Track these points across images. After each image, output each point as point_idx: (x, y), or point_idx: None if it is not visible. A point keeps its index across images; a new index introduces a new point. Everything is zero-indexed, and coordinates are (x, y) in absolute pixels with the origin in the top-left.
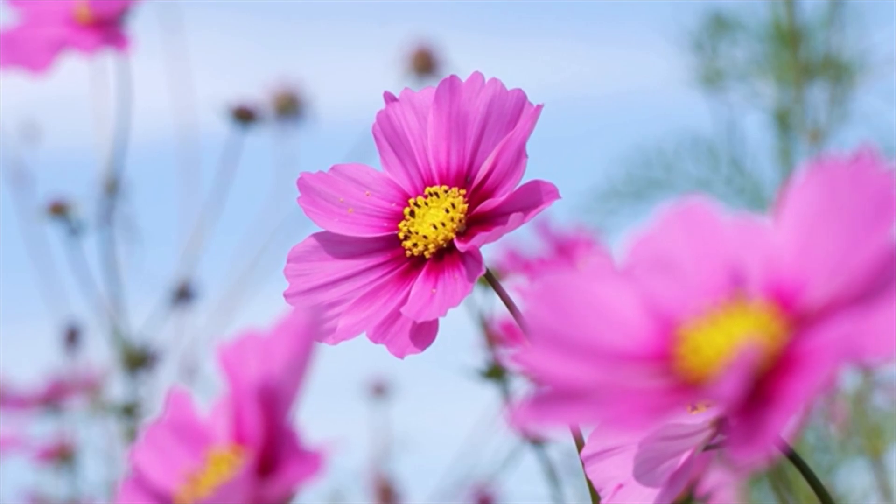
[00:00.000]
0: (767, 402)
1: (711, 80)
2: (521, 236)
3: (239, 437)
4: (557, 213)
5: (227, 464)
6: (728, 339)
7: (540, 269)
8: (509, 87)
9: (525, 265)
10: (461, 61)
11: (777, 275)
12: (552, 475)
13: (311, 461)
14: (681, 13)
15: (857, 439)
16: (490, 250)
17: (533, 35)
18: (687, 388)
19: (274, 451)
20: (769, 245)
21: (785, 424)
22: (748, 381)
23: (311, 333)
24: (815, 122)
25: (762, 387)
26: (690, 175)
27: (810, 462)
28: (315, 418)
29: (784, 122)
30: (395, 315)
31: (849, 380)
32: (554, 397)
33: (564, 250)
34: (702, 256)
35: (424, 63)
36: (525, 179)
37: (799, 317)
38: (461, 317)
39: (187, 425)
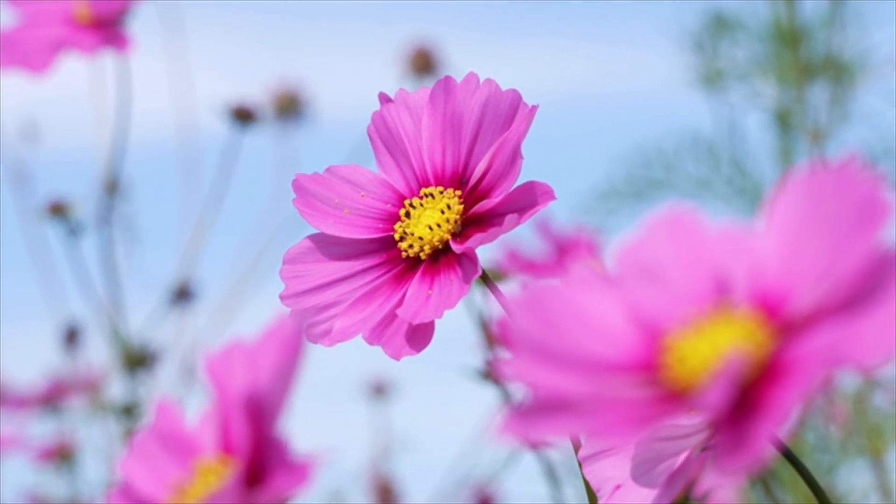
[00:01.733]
0: (754, 411)
1: (712, 80)
2: (522, 236)
3: (226, 447)
4: (558, 213)
5: (214, 474)
6: (714, 347)
7: (539, 271)
8: (509, 87)
9: (525, 265)
10: (461, 61)
11: (762, 282)
12: (552, 475)
13: (300, 471)
14: (681, 13)
15: (858, 439)
16: (490, 250)
17: (533, 35)
18: (673, 397)
19: (262, 460)
20: (755, 252)
21: (772, 433)
22: (734, 390)
23: (298, 341)
24: (815, 122)
25: (748, 395)
26: (690, 175)
27: (810, 462)
28: (315, 419)
29: (784, 122)
30: (391, 317)
31: (849, 380)
32: (541, 408)
33: (564, 250)
34: (687, 265)
35: (424, 63)
36: (525, 180)
37: (785, 325)
38: (461, 317)
39: (175, 435)
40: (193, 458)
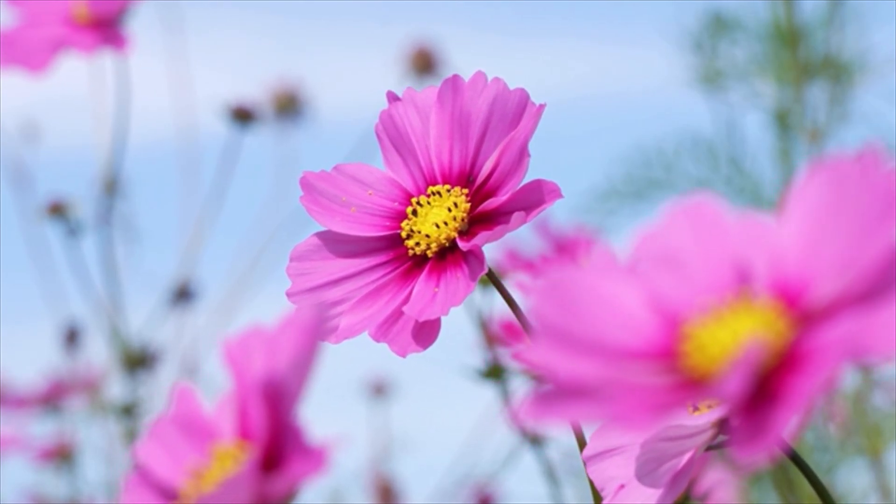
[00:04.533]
0: (772, 400)
1: (711, 79)
2: (521, 235)
3: (244, 433)
4: (557, 213)
5: (231, 459)
6: (733, 336)
7: (540, 269)
8: (511, 86)
9: (524, 264)
10: (462, 61)
11: (783, 272)
12: (552, 475)
13: (316, 457)
14: (681, 13)
15: (857, 439)
16: (489, 249)
17: (533, 35)
18: (692, 385)
19: (278, 446)
20: (775, 242)
21: (789, 422)
22: (753, 379)
23: (316, 330)
24: (814, 122)
25: (767, 384)
26: (690, 175)
27: (810, 462)
28: (315, 418)
29: (784, 121)
30: (398, 314)
31: (848, 379)
32: (558, 394)
33: (564, 250)
34: (708, 253)
35: (424, 63)
36: (526, 178)
37: (804, 314)
38: (460, 317)
39: (193, 420)
40: (211, 444)
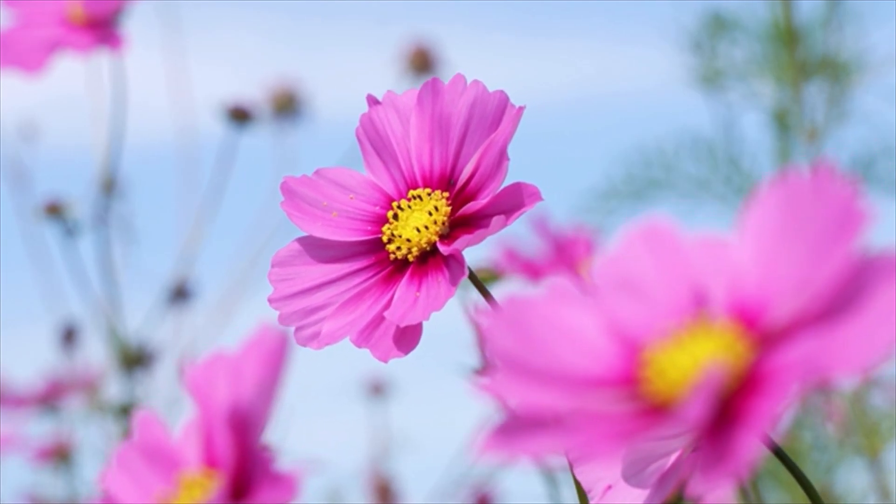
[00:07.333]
0: (735, 422)
1: (710, 79)
2: (521, 235)
3: (210, 461)
4: (557, 213)
5: (199, 487)
6: (693, 360)
7: (537, 270)
8: (511, 88)
9: (523, 264)
10: (462, 60)
11: (740, 293)
12: (549, 475)
13: (285, 484)
14: (680, 13)
15: (856, 438)
16: (489, 250)
17: (533, 35)
18: (654, 411)
19: (246, 473)
20: (732, 263)
21: (753, 444)
22: (715, 402)
23: (280, 352)
24: (812, 122)
25: (729, 407)
26: (690, 175)
27: (808, 461)
28: (314, 419)
29: (782, 121)
30: (380, 319)
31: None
32: (522, 424)
33: (563, 249)
34: (665, 277)
35: (422, 62)
36: (527, 179)
37: (763, 335)
38: (458, 316)
39: (158, 448)
40: (177, 472)
